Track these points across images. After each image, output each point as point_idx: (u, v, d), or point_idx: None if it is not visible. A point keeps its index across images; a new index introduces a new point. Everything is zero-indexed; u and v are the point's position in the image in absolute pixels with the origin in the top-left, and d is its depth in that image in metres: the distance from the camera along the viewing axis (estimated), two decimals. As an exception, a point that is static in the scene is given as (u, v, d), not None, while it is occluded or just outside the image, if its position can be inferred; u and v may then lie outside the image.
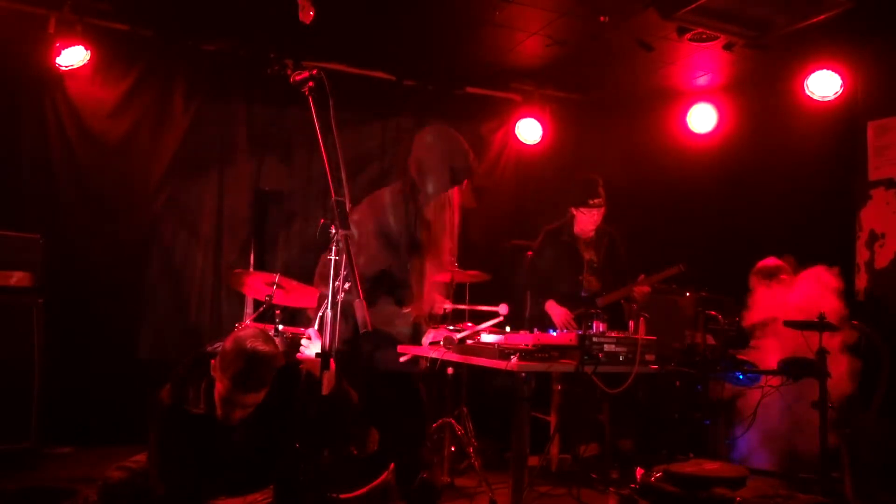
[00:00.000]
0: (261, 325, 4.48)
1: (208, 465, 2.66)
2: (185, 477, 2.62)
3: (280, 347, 2.69)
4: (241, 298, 5.56)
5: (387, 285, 3.35)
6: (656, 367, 3.34)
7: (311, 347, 2.69)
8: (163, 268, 5.47)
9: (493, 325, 3.47)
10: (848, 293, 4.78)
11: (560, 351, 3.23)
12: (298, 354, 2.69)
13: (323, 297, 2.69)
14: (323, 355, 2.35)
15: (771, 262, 4.47)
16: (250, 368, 2.53)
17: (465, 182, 3.51)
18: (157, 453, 2.65)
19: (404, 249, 3.39)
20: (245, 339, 2.58)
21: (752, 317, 4.22)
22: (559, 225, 5.13)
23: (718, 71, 5.80)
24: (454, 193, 3.49)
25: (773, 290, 4.25)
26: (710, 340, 4.02)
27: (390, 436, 3.27)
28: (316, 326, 2.71)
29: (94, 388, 5.03)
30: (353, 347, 3.22)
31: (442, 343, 3.42)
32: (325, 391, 2.49)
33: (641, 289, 4.66)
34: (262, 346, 2.57)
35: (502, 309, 3.48)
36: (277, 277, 4.46)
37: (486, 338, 3.39)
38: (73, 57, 5.06)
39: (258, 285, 4.69)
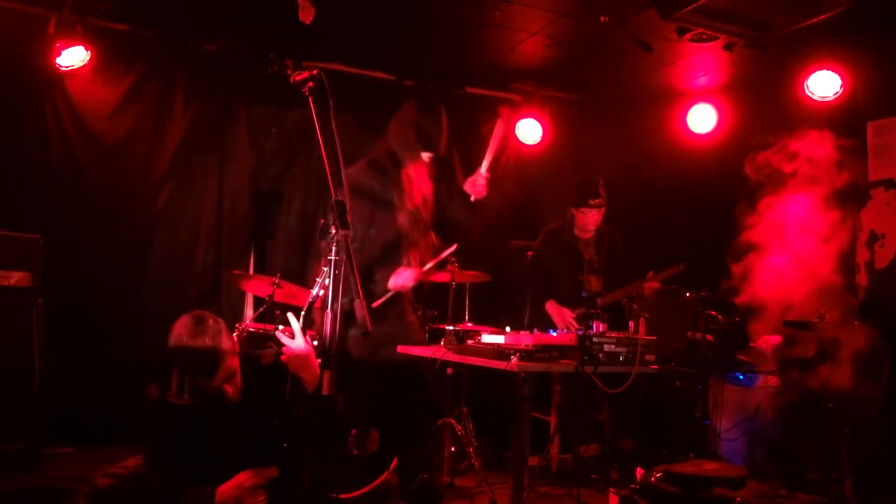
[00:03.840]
0: (260, 326, 4.49)
1: (200, 457, 2.67)
2: (180, 470, 2.63)
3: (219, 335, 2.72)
4: (241, 298, 5.56)
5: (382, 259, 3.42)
6: (656, 367, 3.34)
7: (291, 345, 2.68)
8: (162, 268, 5.46)
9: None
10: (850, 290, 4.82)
11: (560, 351, 3.23)
12: (283, 357, 2.67)
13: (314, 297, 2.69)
14: (323, 355, 2.35)
15: (777, 260, 4.45)
16: (183, 359, 2.67)
17: (430, 156, 3.55)
18: (151, 447, 2.69)
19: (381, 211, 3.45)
20: (173, 335, 2.69)
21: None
22: (559, 225, 5.14)
23: (718, 71, 5.79)
24: (420, 164, 3.53)
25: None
26: (711, 340, 4.02)
27: (400, 434, 3.28)
28: (300, 324, 2.69)
29: (94, 388, 5.03)
30: (343, 348, 3.24)
31: (442, 343, 3.44)
32: (325, 391, 2.48)
33: (651, 285, 4.68)
34: (187, 339, 2.68)
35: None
36: (278, 277, 4.47)
37: (487, 338, 3.40)
38: (73, 57, 5.05)
39: (258, 286, 4.69)
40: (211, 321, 2.72)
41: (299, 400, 2.66)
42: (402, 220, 3.52)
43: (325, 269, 2.53)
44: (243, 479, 2.61)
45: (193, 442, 2.68)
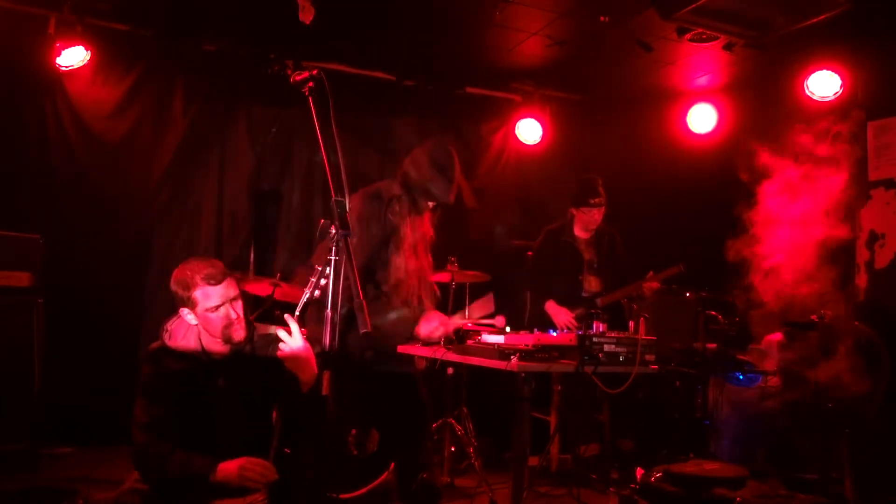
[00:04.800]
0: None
1: (197, 419, 2.63)
2: (168, 423, 2.59)
3: None
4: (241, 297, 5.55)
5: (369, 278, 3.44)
6: (656, 367, 3.34)
7: (290, 343, 2.67)
8: (163, 268, 5.46)
9: (488, 325, 3.50)
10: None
11: (560, 351, 3.23)
12: (279, 353, 2.66)
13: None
14: (323, 355, 2.35)
15: (780, 259, 4.45)
16: (197, 261, 2.68)
17: (434, 206, 3.55)
18: (142, 399, 2.64)
19: (377, 246, 3.45)
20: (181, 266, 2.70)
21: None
22: (559, 225, 5.14)
23: (718, 71, 5.79)
24: (425, 215, 3.54)
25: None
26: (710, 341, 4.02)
27: (391, 436, 3.28)
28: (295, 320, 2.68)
29: (94, 388, 5.03)
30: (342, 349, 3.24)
31: (442, 343, 3.43)
32: (325, 391, 2.48)
33: (651, 285, 4.68)
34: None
35: (499, 321, 3.51)
36: (278, 277, 4.47)
37: (487, 338, 3.40)
38: (73, 57, 5.06)
39: (258, 286, 4.68)
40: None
41: (293, 399, 2.65)
42: (401, 259, 3.52)
43: (319, 268, 2.54)
44: (245, 463, 2.52)
45: (190, 397, 2.63)
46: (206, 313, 2.63)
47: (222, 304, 2.64)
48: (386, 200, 3.51)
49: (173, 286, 2.67)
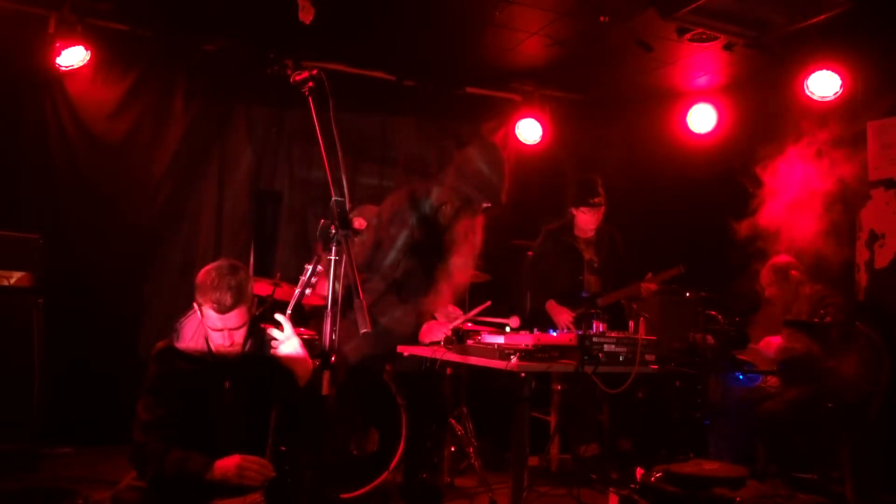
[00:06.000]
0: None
1: (197, 418, 2.62)
2: (170, 424, 2.57)
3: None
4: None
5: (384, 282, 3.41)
6: (656, 367, 3.34)
7: (285, 344, 2.67)
8: (162, 268, 5.47)
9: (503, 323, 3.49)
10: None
11: (560, 351, 3.23)
12: (273, 351, 2.65)
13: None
14: (323, 355, 2.35)
15: (782, 259, 4.47)
16: (219, 277, 2.59)
17: (486, 208, 3.51)
18: (145, 397, 2.62)
19: (400, 251, 3.42)
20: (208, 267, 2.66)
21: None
22: (559, 225, 5.14)
23: (718, 71, 5.79)
24: (477, 215, 3.50)
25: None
26: (710, 340, 4.03)
27: (390, 435, 3.28)
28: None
29: (94, 388, 5.03)
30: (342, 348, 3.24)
31: (442, 343, 3.43)
32: (325, 391, 2.48)
33: (649, 286, 4.68)
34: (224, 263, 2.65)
35: (513, 322, 3.50)
36: (278, 277, 4.47)
37: (487, 338, 3.40)
38: (73, 57, 5.05)
39: (258, 286, 4.68)
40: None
41: (290, 395, 2.65)
42: (443, 264, 3.47)
43: (308, 266, 2.53)
44: (242, 462, 2.50)
45: (195, 398, 2.62)
46: (206, 325, 2.65)
47: (221, 330, 2.63)
48: (429, 203, 3.46)
49: (196, 283, 2.65)
